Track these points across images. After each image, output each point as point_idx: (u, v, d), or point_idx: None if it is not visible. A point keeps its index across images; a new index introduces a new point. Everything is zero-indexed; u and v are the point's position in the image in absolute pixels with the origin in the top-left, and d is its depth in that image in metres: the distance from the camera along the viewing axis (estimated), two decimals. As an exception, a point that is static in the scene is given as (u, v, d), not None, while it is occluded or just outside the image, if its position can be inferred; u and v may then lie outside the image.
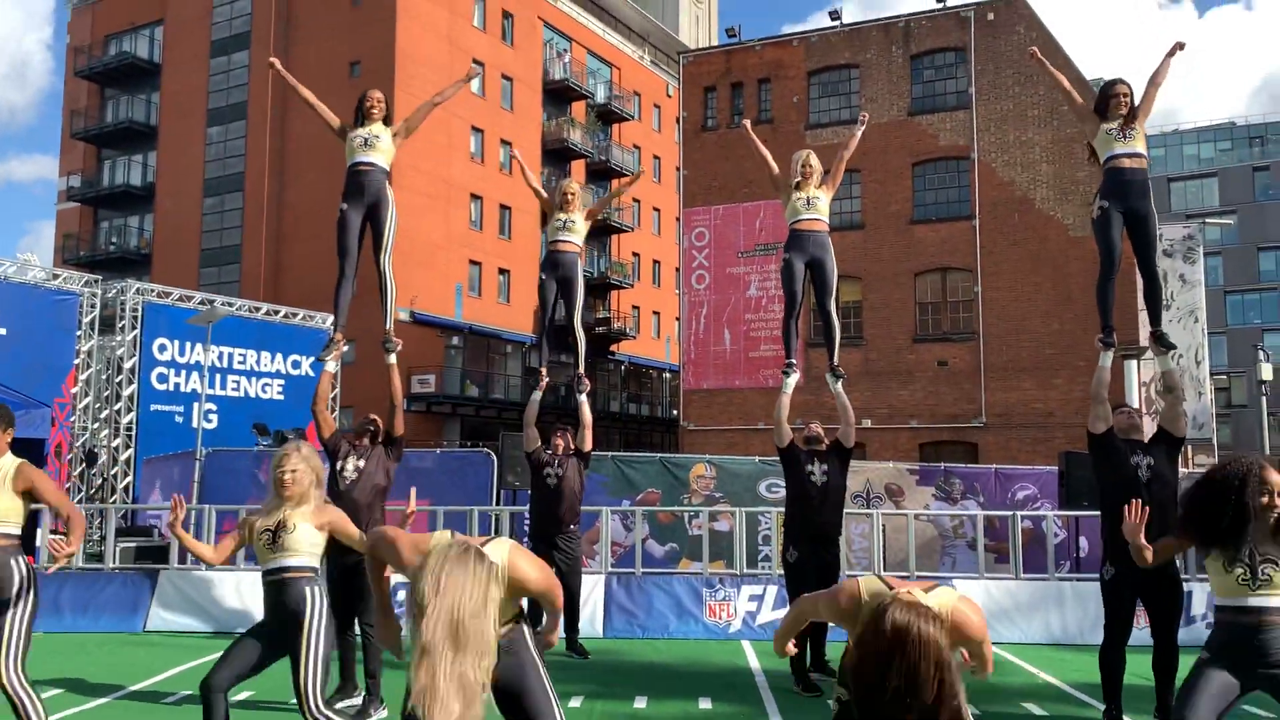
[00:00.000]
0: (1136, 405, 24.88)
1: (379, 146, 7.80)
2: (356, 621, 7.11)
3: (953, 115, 27.04)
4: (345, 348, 8.11)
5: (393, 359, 7.89)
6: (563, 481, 9.13)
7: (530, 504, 9.69)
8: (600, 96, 48.09)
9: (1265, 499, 4.03)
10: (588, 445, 9.31)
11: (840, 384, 8.22)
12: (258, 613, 10.76)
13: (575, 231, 9.28)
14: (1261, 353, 31.82)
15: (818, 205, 8.30)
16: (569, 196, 9.34)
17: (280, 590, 5.10)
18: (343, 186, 7.92)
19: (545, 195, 9.56)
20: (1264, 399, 31.00)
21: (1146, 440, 6.79)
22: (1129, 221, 7.08)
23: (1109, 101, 7.14)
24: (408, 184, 37.11)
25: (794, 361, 8.34)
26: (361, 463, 7.36)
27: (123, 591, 10.99)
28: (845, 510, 8.52)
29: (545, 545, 8.99)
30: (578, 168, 46.61)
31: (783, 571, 8.57)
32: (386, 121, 7.95)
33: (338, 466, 7.28)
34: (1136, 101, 7.15)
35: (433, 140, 38.12)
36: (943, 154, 27.10)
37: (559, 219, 9.28)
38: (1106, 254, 7.12)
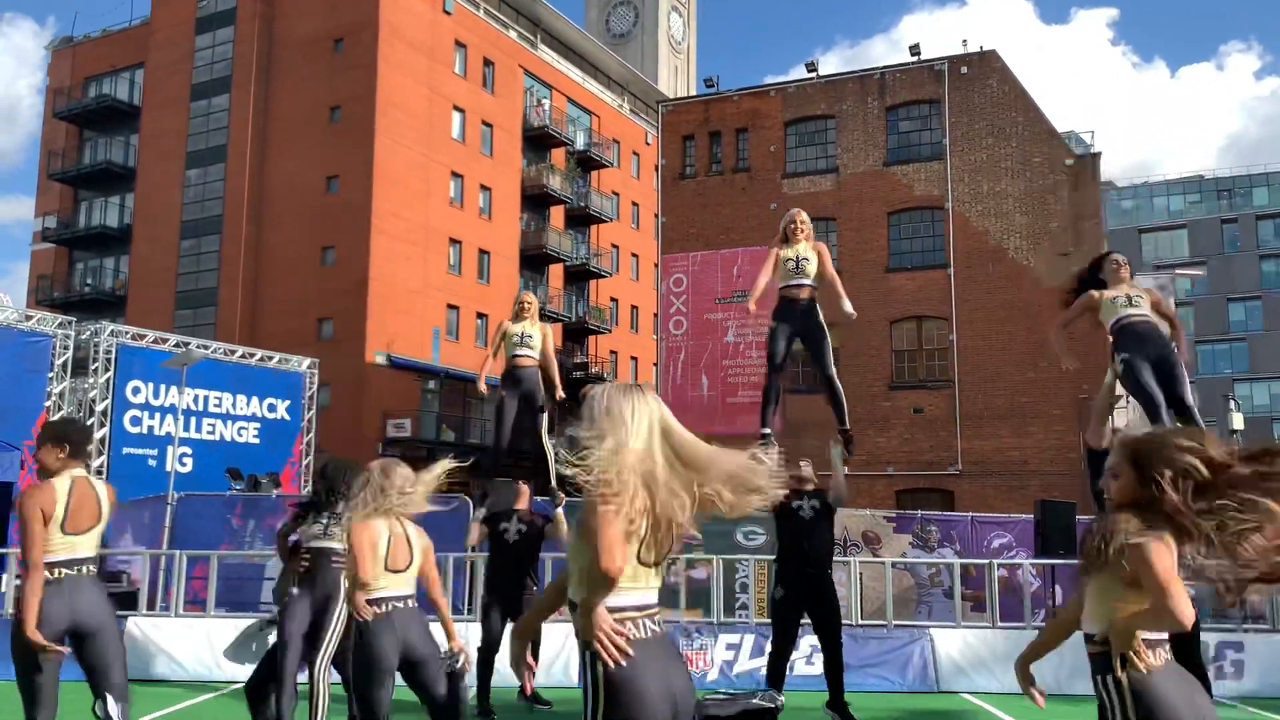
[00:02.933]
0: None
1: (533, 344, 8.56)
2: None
3: (927, 166, 27.40)
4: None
5: None
6: (524, 537, 8.59)
7: (489, 558, 8.97)
8: (580, 143, 48.47)
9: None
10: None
11: (840, 456, 7.95)
12: (227, 661, 10.62)
13: (533, 346, 8.85)
14: (1232, 402, 32.15)
15: (807, 268, 7.97)
16: (525, 306, 8.90)
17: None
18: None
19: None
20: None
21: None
22: (1158, 369, 6.94)
23: (1102, 264, 7.41)
24: (387, 229, 37.17)
25: (769, 432, 7.82)
26: None
27: (90, 638, 10.77)
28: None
29: (504, 605, 8.44)
30: (557, 213, 46.87)
31: (760, 620, 8.52)
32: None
33: None
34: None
35: (412, 186, 38.25)
36: (918, 204, 27.43)
37: (515, 333, 8.81)
38: (1150, 401, 6.87)
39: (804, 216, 8.17)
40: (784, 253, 7.99)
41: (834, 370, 8.03)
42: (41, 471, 4.93)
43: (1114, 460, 3.19)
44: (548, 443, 8.85)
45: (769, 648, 8.21)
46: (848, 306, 7.79)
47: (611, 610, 2.85)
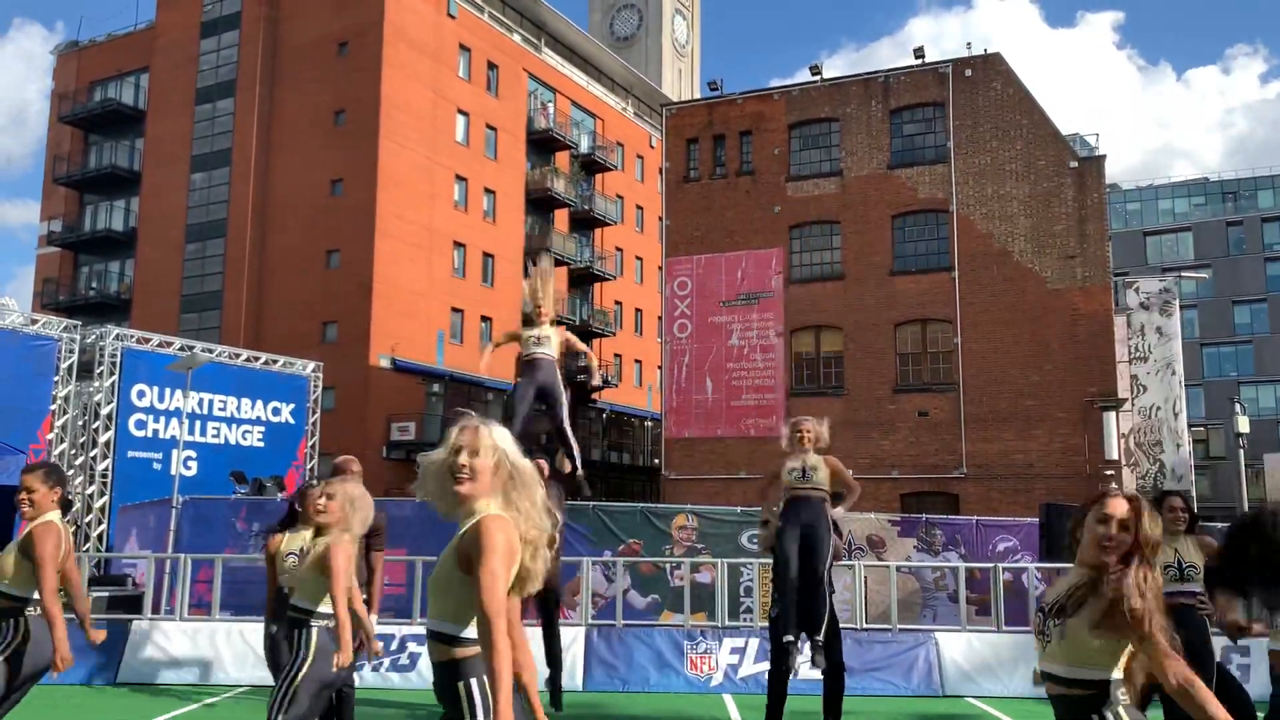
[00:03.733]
0: (1115, 456, 25.01)
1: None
2: None
3: (931, 169, 27.37)
4: None
5: None
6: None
7: None
8: (584, 147, 48.50)
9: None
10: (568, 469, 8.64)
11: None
12: (232, 663, 10.65)
13: (550, 345, 8.53)
14: (1238, 405, 32.05)
15: (815, 476, 7.43)
16: (540, 311, 8.42)
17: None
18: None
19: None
20: (1241, 451, 31.13)
21: None
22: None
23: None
24: (391, 232, 37.21)
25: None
26: None
27: (95, 642, 10.79)
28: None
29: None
30: (561, 216, 46.90)
31: (764, 624, 8.48)
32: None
33: None
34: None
35: (416, 189, 38.29)
36: (922, 206, 27.39)
37: (531, 335, 8.48)
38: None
39: (808, 426, 7.62)
40: (789, 463, 7.55)
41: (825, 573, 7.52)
42: (33, 508, 5.02)
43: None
44: (570, 431, 8.68)
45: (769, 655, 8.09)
46: None
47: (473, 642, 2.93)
